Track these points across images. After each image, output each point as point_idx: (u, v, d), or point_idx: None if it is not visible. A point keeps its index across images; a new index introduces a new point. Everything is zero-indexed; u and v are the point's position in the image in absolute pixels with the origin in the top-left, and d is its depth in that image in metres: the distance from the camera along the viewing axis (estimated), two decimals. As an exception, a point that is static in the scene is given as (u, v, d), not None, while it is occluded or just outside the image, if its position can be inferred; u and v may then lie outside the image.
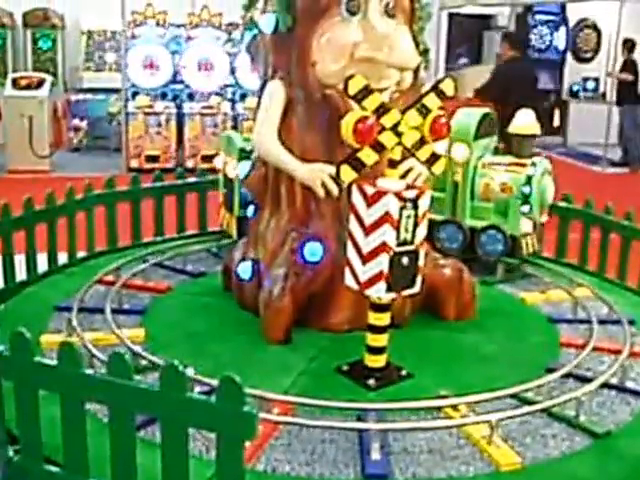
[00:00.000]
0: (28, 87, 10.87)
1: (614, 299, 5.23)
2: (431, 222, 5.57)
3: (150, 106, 10.63)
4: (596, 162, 13.52)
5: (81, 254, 5.84)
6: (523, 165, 5.74)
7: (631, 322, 4.87)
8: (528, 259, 5.89)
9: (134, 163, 10.58)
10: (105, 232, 6.01)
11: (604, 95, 14.46)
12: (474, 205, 5.93)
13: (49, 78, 11.42)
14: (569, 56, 15.36)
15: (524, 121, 5.93)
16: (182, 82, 10.86)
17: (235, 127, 10.82)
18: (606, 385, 3.99)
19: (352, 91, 3.60)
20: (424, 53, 4.67)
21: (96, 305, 4.81)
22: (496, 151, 6.15)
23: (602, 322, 4.85)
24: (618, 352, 4.30)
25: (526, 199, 5.64)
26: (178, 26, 11.34)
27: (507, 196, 5.75)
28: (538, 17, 15.48)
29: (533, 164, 5.71)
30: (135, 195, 6.11)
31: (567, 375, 4.07)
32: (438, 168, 3.97)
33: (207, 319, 4.79)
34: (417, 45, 4.51)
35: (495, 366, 4.26)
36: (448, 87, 3.84)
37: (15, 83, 10.90)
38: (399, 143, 3.72)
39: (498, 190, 5.81)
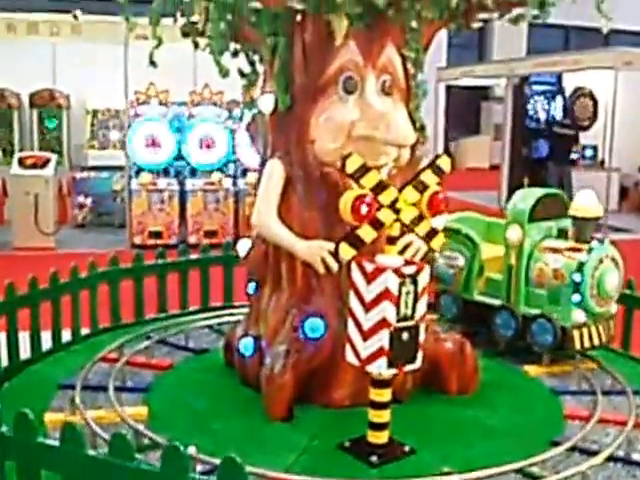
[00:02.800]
0: (34, 166, 11.03)
1: (618, 369, 5.23)
2: (487, 307, 5.63)
3: (153, 183, 10.75)
4: (598, 229, 13.56)
5: (85, 331, 5.86)
6: (579, 250, 5.31)
7: (636, 392, 4.84)
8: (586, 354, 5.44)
9: (138, 239, 10.65)
10: (108, 309, 6.03)
11: (602, 162, 14.60)
12: (529, 291, 5.52)
13: (54, 157, 11.58)
14: (567, 125, 15.56)
15: (585, 202, 5.42)
16: (184, 159, 11.01)
17: (237, 203, 10.93)
18: (612, 458, 3.96)
19: (350, 169, 3.67)
20: (421, 129, 4.75)
21: (99, 383, 4.82)
22: (560, 234, 5.62)
23: (606, 393, 4.83)
24: (624, 424, 4.27)
25: (577, 288, 5.21)
26: (180, 104, 11.55)
27: (559, 283, 5.33)
28: (535, 87, 15.68)
29: (590, 249, 5.26)
30: (138, 272, 6.15)
31: (572, 448, 4.04)
32: (437, 243, 4.02)
33: (209, 396, 4.78)
34: (414, 122, 4.59)
35: (499, 440, 4.23)
36: (445, 163, 3.91)
37: (21, 162, 11.06)
38: (397, 220, 3.77)
39: (551, 276, 5.39)
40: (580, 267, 5.20)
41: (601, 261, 5.25)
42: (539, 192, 5.68)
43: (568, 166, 14.31)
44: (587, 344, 5.28)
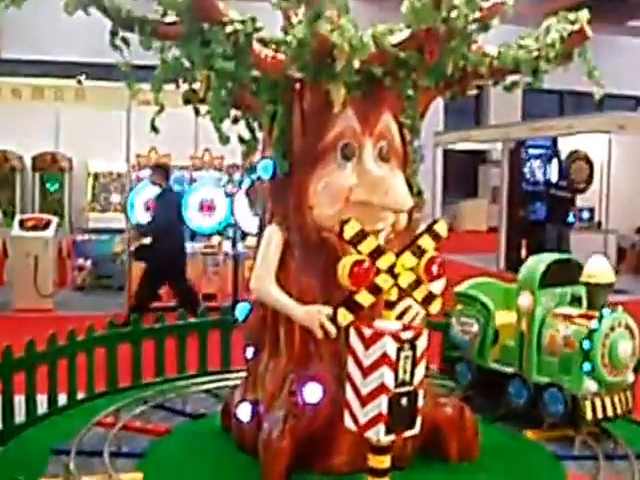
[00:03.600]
0: (35, 228, 11.09)
1: (620, 433, 5.18)
2: (501, 375, 5.52)
3: (153, 246, 10.78)
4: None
5: (81, 395, 5.82)
6: (590, 317, 5.17)
7: (638, 456, 4.81)
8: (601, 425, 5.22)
9: (137, 302, 10.64)
10: (105, 372, 6.00)
11: (599, 224, 14.69)
12: (540, 359, 5.37)
13: (55, 219, 11.66)
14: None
15: (597, 268, 5.27)
16: (184, 222, 11.06)
17: (236, 266, 10.94)
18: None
19: (348, 235, 3.69)
20: (418, 195, 4.80)
21: (94, 448, 4.77)
22: (574, 300, 5.49)
23: (608, 457, 4.78)
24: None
25: (587, 356, 5.05)
26: (181, 168, 11.66)
27: (570, 351, 5.17)
28: (531, 151, 15.87)
29: (601, 317, 5.10)
30: (136, 336, 6.14)
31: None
32: (435, 307, 4.02)
33: (206, 462, 4.75)
34: (411, 187, 4.64)
35: (500, 508, 4.19)
36: (442, 229, 3.94)
37: (22, 224, 11.14)
38: (395, 284, 3.78)
39: (562, 344, 5.25)
40: (590, 335, 5.06)
41: (613, 329, 5.09)
42: (551, 257, 5.59)
43: (565, 228, 14.36)
44: (600, 415, 5.07)
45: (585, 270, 5.29)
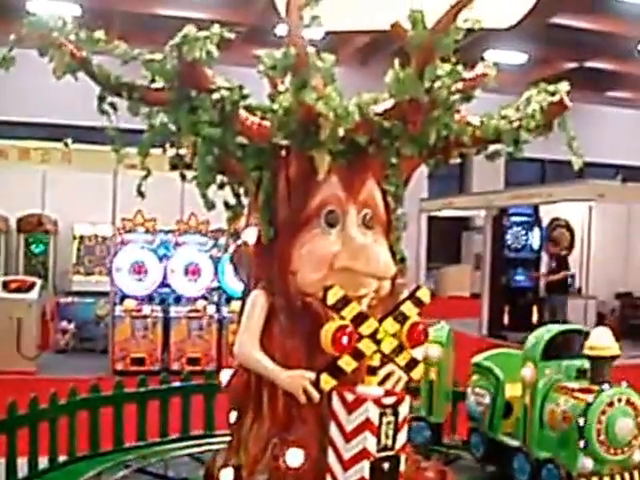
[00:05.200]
0: (18, 290, 11.06)
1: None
2: (507, 448, 5.42)
3: (137, 309, 10.79)
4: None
5: (62, 458, 5.77)
6: (590, 391, 5.00)
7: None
8: None
9: (120, 365, 10.59)
10: (87, 436, 5.96)
11: (580, 290, 14.83)
12: (543, 433, 5.22)
13: (39, 282, 11.64)
14: (544, 254, 15.87)
15: (600, 340, 5.07)
16: (169, 286, 11.09)
17: (220, 330, 10.94)
18: None
19: (331, 301, 3.75)
20: (401, 261, 4.85)
21: (75, 515, 4.73)
22: (580, 373, 5.30)
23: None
24: None
25: (582, 432, 4.89)
26: (166, 232, 11.72)
27: (567, 427, 5.01)
28: (513, 218, 16.09)
29: (600, 391, 4.94)
30: (118, 400, 6.12)
31: None
32: (417, 373, 4.06)
33: (188, 529, 4.71)
34: (394, 254, 4.70)
35: None
36: (424, 295, 4.00)
37: (5, 286, 11.11)
38: (378, 350, 3.82)
39: (561, 418, 5.09)
40: (585, 410, 4.89)
41: (611, 404, 4.91)
42: (558, 328, 5.47)
43: (563, 297, 14.42)
44: None
45: (587, 343, 5.11)
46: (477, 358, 5.92)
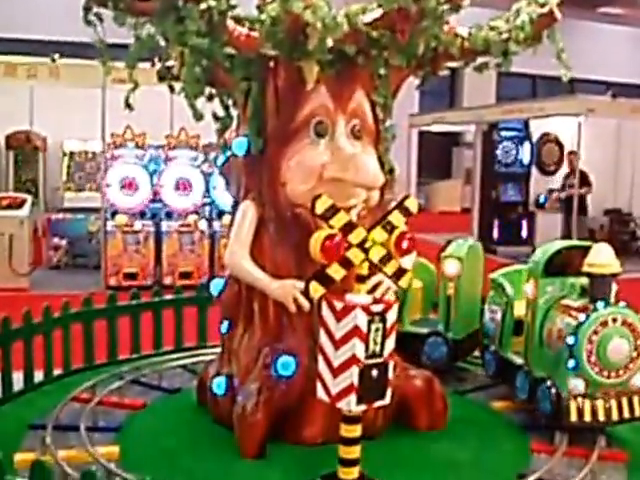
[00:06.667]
0: (9, 207, 11.05)
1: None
2: (513, 366, 5.28)
3: (129, 225, 10.80)
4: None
5: (57, 371, 5.86)
6: (586, 310, 4.73)
7: (602, 430, 4.86)
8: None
9: (113, 281, 10.66)
10: (82, 349, 6.05)
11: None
12: (541, 352, 5.01)
13: (30, 198, 11.62)
14: (534, 169, 15.87)
15: (599, 257, 4.77)
16: (160, 201, 11.08)
17: (212, 244, 11.00)
18: (577, 491, 4.03)
19: (319, 210, 3.77)
20: (390, 172, 4.88)
21: (71, 423, 4.82)
22: (583, 291, 4.94)
23: (572, 427, 4.88)
24: (588, 457, 4.36)
25: (571, 352, 4.65)
26: (157, 147, 11.66)
27: (561, 346, 4.76)
28: (503, 133, 16.00)
29: (594, 309, 4.66)
30: (112, 313, 6.19)
31: (538, 482, 4.11)
32: (405, 282, 4.11)
33: (182, 435, 4.82)
34: (383, 165, 4.72)
35: (467, 474, 4.32)
36: (412, 204, 4.03)
37: (-5, 203, 11.11)
38: (366, 259, 3.87)
39: (556, 337, 4.86)
40: (576, 329, 4.64)
41: (605, 324, 4.64)
42: (562, 244, 5.23)
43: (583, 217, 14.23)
44: (588, 419, 4.64)
45: (587, 259, 4.79)
46: (494, 274, 5.76)
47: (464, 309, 5.93)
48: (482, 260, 6.31)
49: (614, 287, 4.99)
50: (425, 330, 6.00)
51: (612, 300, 4.82)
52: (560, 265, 5.03)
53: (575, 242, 5.48)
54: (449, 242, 6.15)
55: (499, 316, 5.49)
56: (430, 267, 6.32)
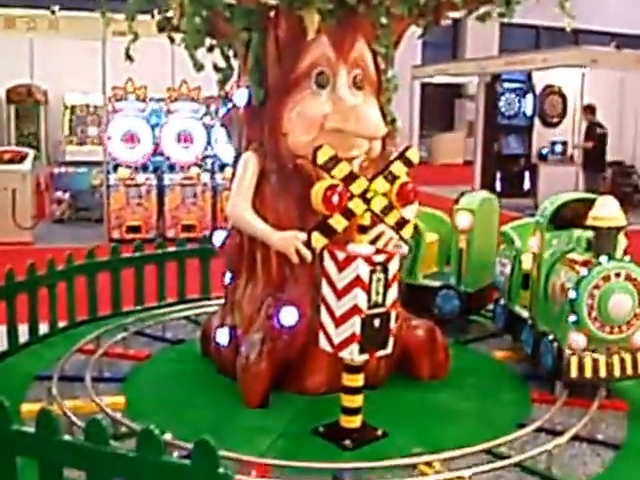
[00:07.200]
0: (11, 161, 11.03)
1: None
2: (520, 320, 5.24)
3: (131, 178, 10.80)
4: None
5: (62, 324, 5.90)
6: (589, 264, 4.59)
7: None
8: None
9: (116, 234, 10.69)
10: (86, 302, 6.09)
11: (572, 157, 14.85)
12: (546, 306, 4.91)
13: (32, 152, 11.60)
14: (537, 121, 15.80)
15: (604, 210, 4.61)
16: (162, 154, 11.06)
17: (214, 197, 11.00)
18: (577, 438, 4.09)
19: (321, 160, 3.77)
20: (392, 123, 4.86)
21: (76, 374, 4.87)
22: (590, 245, 4.77)
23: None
24: (588, 406, 4.41)
25: (572, 306, 4.54)
26: (158, 100, 11.60)
27: (564, 300, 4.65)
28: (506, 85, 15.92)
29: (597, 264, 4.51)
30: (115, 265, 6.21)
31: (539, 430, 4.17)
32: (407, 232, 4.13)
33: (186, 385, 4.88)
34: (384, 115, 4.69)
35: (468, 423, 4.36)
36: (413, 155, 4.02)
37: (-2, 157, 11.09)
38: (368, 209, 3.87)
39: (559, 291, 4.75)
40: (578, 283, 4.51)
41: (607, 279, 4.49)
42: (567, 197, 5.10)
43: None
44: (589, 375, 4.53)
45: (592, 212, 4.62)
46: (505, 227, 5.72)
47: (477, 262, 5.86)
48: (497, 213, 6.21)
49: (624, 241, 4.94)
50: (437, 283, 5.98)
51: (620, 254, 4.72)
52: (568, 218, 4.94)
53: (582, 195, 5.32)
54: (462, 194, 6.09)
55: (508, 269, 5.44)
56: (446, 220, 6.25)
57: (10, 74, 16.28)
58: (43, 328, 5.75)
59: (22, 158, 11.20)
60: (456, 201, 6.00)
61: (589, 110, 13.54)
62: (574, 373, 4.52)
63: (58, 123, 17.32)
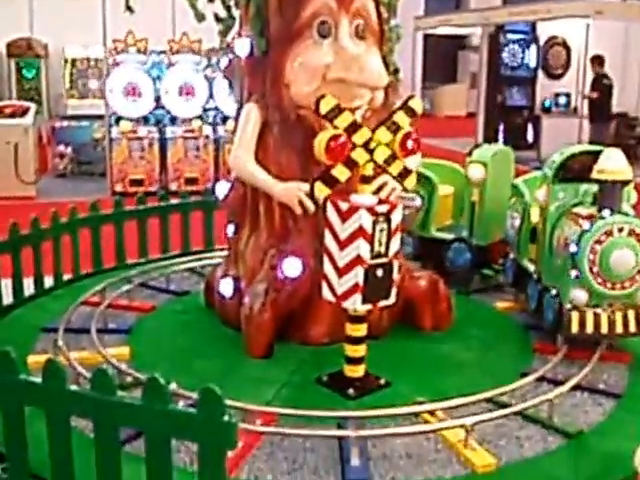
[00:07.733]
0: (13, 115, 10.99)
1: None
2: (527, 274, 5.18)
3: (133, 131, 10.76)
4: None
5: (67, 277, 5.93)
6: (592, 218, 4.48)
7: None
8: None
9: (119, 187, 10.69)
10: (90, 254, 6.10)
11: (575, 109, 14.77)
12: (550, 260, 4.81)
13: (33, 106, 11.54)
14: (540, 73, 15.68)
15: (610, 163, 4.45)
16: (164, 107, 11.00)
17: (217, 150, 10.97)
18: (578, 387, 4.13)
19: (323, 110, 3.74)
20: (394, 73, 4.82)
21: (82, 325, 4.91)
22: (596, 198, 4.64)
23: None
24: (589, 356, 4.43)
25: (573, 261, 4.45)
26: (159, 53, 11.51)
27: (567, 254, 4.55)
28: (509, 36, 15.80)
29: (601, 218, 4.40)
30: (119, 217, 6.22)
31: (540, 379, 4.21)
32: (410, 182, 4.11)
33: (190, 336, 4.91)
34: (387, 65, 4.66)
35: (471, 373, 4.40)
36: (416, 105, 3.99)
37: (0, 111, 11.03)
38: (371, 159, 3.86)
39: (563, 246, 4.64)
40: (579, 237, 4.42)
41: (609, 233, 4.39)
42: (575, 149, 4.94)
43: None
44: (590, 330, 4.46)
45: (597, 165, 4.47)
46: (516, 180, 5.61)
47: (489, 216, 5.78)
48: (511, 166, 6.09)
49: (634, 195, 4.90)
50: (450, 236, 5.93)
51: (627, 209, 4.63)
52: (576, 171, 4.77)
53: (591, 147, 5.14)
54: (476, 146, 6.01)
55: (518, 223, 5.35)
56: (462, 172, 6.09)
57: (10, 28, 16.14)
58: (48, 281, 5.77)
59: (24, 112, 11.15)
60: (469, 153, 5.91)
61: (597, 61, 13.37)
62: (575, 329, 4.47)
63: (59, 77, 17.23)
